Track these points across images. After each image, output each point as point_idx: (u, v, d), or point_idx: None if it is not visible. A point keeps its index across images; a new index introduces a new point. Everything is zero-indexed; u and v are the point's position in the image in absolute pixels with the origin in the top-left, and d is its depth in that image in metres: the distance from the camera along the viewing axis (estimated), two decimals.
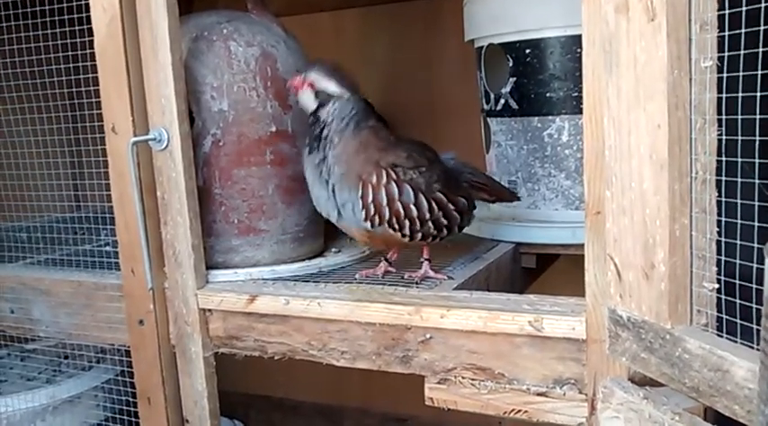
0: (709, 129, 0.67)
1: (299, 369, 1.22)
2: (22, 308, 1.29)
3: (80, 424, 1.41)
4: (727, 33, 0.63)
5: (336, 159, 1.04)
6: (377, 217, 1.03)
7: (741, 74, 0.61)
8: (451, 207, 1.07)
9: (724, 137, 0.66)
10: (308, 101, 1.08)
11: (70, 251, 1.36)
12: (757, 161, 0.60)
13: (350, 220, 1.06)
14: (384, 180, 1.02)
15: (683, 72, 0.67)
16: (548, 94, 1.30)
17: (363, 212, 1.03)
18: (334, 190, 1.05)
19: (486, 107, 1.42)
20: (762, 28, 0.57)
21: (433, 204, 1.05)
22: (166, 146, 1.07)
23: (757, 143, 0.60)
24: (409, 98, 1.84)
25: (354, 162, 1.04)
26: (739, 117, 0.62)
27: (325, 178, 1.06)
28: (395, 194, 1.03)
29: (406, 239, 1.06)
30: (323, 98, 1.06)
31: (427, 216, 1.04)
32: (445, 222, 1.06)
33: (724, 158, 0.66)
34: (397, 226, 1.04)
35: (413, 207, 1.03)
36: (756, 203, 0.61)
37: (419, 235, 1.06)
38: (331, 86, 1.06)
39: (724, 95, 0.64)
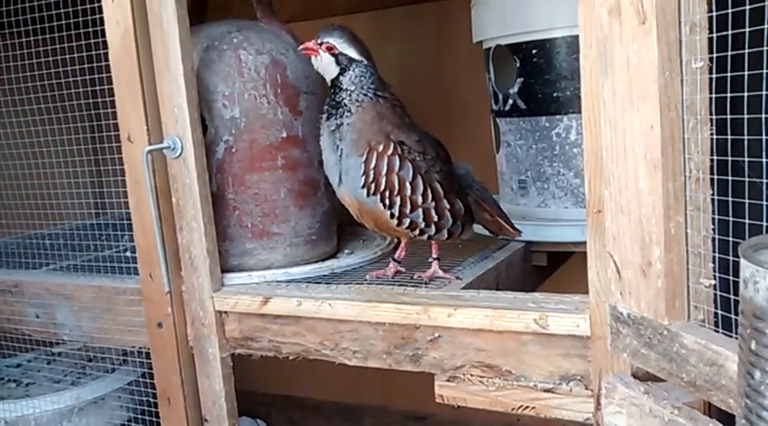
0: (701, 129, 0.68)
1: (319, 369, 1.24)
2: (46, 313, 1.33)
3: (105, 425, 1.45)
4: (715, 35, 0.64)
5: (351, 126, 1.07)
6: (373, 185, 1.05)
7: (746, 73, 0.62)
8: (446, 204, 1.08)
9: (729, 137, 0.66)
10: (328, 66, 1.09)
11: (92, 256, 1.40)
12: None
13: (348, 187, 1.08)
14: (390, 151, 1.05)
15: (675, 73, 0.68)
16: (555, 94, 1.31)
17: (363, 178, 1.05)
18: (341, 156, 1.07)
19: (494, 107, 1.44)
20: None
21: (428, 191, 1.06)
22: (180, 153, 1.10)
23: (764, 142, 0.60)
24: (422, 100, 1.85)
25: (367, 131, 1.06)
26: (729, 116, 0.64)
27: (336, 144, 1.08)
28: (395, 166, 1.05)
29: (394, 221, 1.07)
30: (344, 64, 1.08)
31: (419, 200, 1.06)
32: (435, 218, 1.07)
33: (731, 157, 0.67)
34: (387, 202, 1.05)
35: (408, 185, 1.05)
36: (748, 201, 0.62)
37: (407, 220, 1.06)
38: (353, 52, 1.08)
39: (714, 95, 0.65)
